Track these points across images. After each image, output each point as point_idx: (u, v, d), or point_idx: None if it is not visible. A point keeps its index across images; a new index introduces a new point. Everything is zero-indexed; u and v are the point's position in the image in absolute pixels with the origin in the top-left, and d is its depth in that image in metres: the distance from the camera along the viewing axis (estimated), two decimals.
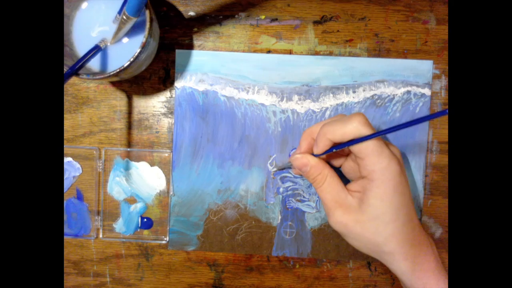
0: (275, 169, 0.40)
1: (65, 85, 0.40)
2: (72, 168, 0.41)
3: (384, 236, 0.30)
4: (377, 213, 0.30)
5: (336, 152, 0.34)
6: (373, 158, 0.29)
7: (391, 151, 0.30)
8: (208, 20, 0.40)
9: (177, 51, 0.39)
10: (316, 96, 0.39)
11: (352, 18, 0.39)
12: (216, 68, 0.39)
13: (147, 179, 0.40)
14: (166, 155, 0.40)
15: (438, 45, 0.39)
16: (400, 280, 0.32)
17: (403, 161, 0.32)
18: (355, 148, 0.30)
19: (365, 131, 0.29)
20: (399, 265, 0.31)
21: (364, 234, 0.31)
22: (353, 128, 0.29)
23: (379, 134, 0.29)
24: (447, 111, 0.25)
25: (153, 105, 0.40)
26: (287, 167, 0.39)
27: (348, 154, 0.35)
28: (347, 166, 0.35)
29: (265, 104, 0.39)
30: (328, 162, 0.36)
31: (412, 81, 0.39)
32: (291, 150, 0.40)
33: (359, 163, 0.31)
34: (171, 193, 0.40)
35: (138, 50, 0.32)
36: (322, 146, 0.32)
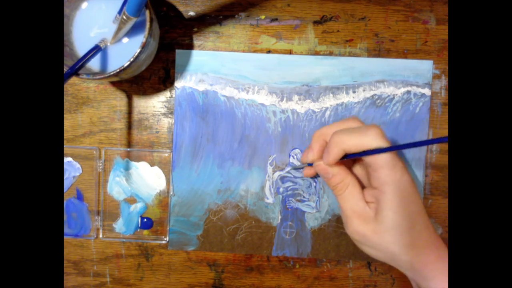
0: (290, 167, 0.39)
1: (65, 85, 0.40)
2: (72, 168, 0.41)
3: (401, 246, 0.30)
4: (392, 224, 0.30)
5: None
6: (386, 171, 0.29)
7: (403, 164, 0.30)
8: (208, 20, 0.40)
9: (177, 51, 0.39)
10: (316, 96, 0.39)
11: (352, 18, 0.39)
12: (216, 68, 0.39)
13: (147, 179, 0.40)
14: (166, 155, 0.40)
15: (438, 45, 0.39)
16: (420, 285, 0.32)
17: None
18: (368, 158, 0.30)
19: (382, 144, 0.29)
20: (419, 273, 0.30)
21: (381, 244, 0.30)
22: (371, 141, 0.29)
23: (395, 148, 0.28)
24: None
25: (153, 105, 0.40)
26: (302, 167, 0.39)
27: (356, 160, 0.35)
28: (356, 172, 0.35)
29: (265, 104, 0.39)
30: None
31: (412, 81, 0.39)
32: (291, 150, 0.40)
33: (370, 173, 0.31)
34: (171, 193, 0.40)
35: (138, 50, 0.32)
36: (334, 155, 0.31)
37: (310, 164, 0.36)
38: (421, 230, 0.30)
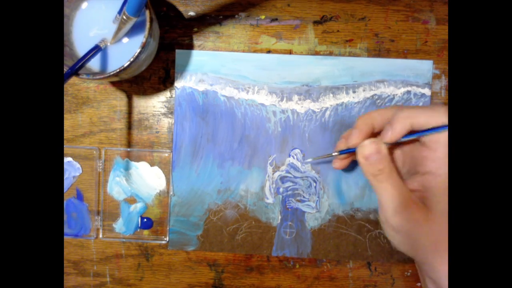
0: (310, 159, 0.38)
1: (65, 85, 0.40)
2: (72, 168, 0.41)
3: (445, 237, 0.28)
4: (442, 209, 0.28)
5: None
6: (446, 150, 0.27)
7: None
8: (208, 20, 0.40)
9: (177, 51, 0.39)
10: (316, 96, 0.39)
11: (352, 18, 0.39)
12: (216, 68, 0.39)
13: (147, 179, 0.40)
14: (166, 155, 0.40)
15: (438, 45, 0.39)
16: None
17: None
18: (427, 138, 0.28)
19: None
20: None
21: (431, 233, 0.28)
22: (442, 117, 0.27)
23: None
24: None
25: (153, 105, 0.40)
26: (327, 156, 0.37)
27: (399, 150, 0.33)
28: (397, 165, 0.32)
29: (265, 104, 0.39)
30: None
31: (412, 81, 0.39)
32: (291, 150, 0.40)
33: (426, 156, 0.29)
34: (171, 193, 0.40)
35: (138, 50, 0.32)
36: (399, 130, 0.28)
37: (344, 152, 0.33)
38: None
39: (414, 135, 0.29)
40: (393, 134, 0.29)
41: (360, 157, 0.31)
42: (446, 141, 0.28)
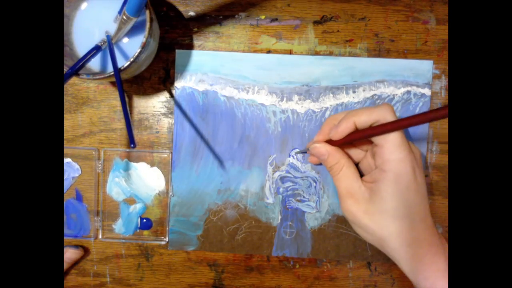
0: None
1: (65, 85, 0.40)
2: (71, 169, 0.41)
3: (390, 232, 0.30)
4: (386, 207, 0.30)
5: (355, 145, 0.34)
6: (392, 147, 0.29)
7: (410, 148, 0.30)
8: (208, 20, 0.40)
9: (177, 51, 0.39)
10: (316, 96, 0.39)
11: (352, 18, 0.39)
12: (216, 68, 0.39)
13: (146, 180, 0.40)
14: (166, 155, 0.40)
15: (438, 45, 0.39)
16: (408, 276, 0.32)
17: (421, 163, 0.32)
18: (378, 136, 0.30)
19: (391, 118, 0.29)
20: (404, 263, 0.30)
21: (370, 226, 0.30)
22: (382, 113, 0.29)
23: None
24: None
25: (153, 105, 0.40)
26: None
27: (367, 150, 0.35)
28: (365, 162, 0.35)
29: (265, 104, 0.39)
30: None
31: (412, 81, 0.39)
32: (291, 150, 0.40)
33: (376, 152, 0.31)
34: (170, 193, 0.40)
35: (138, 50, 0.32)
36: (344, 128, 0.31)
37: (302, 152, 0.38)
38: (415, 221, 0.30)
39: (358, 138, 0.31)
40: (337, 132, 0.32)
41: (314, 156, 0.35)
42: (393, 138, 0.29)
